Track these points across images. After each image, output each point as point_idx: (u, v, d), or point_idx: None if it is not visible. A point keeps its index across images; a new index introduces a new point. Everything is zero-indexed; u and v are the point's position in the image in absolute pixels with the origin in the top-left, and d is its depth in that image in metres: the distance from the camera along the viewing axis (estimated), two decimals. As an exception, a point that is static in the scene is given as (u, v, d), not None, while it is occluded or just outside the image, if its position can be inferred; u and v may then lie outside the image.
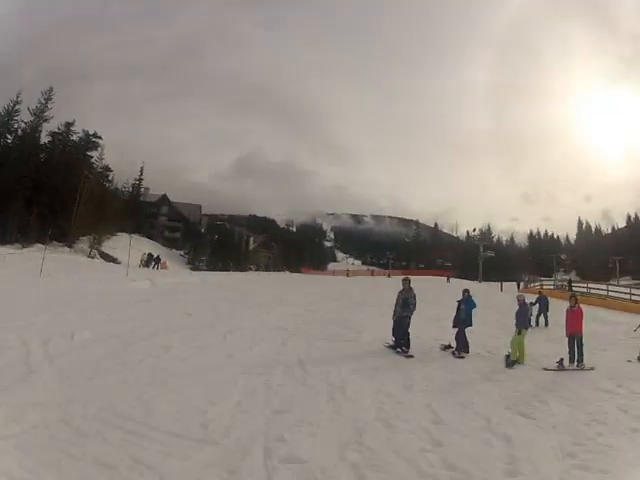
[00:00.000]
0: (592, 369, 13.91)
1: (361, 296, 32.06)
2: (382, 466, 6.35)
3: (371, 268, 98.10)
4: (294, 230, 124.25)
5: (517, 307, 15.25)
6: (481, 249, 70.18)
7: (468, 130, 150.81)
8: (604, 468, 6.87)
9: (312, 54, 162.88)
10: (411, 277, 16.60)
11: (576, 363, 14.18)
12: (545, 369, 13.82)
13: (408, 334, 14.72)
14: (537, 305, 22.35)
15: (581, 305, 15.23)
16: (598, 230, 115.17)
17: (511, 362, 13.86)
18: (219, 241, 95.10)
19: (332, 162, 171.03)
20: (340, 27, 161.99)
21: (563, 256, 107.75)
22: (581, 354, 14.30)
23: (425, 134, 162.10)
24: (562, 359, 14.08)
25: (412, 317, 15.00)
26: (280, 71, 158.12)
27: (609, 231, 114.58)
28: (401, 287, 15.55)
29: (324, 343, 15.10)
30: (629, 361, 15.16)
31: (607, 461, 7.14)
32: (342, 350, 14.34)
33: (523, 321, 14.86)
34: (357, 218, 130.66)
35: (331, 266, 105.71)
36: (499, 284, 50.60)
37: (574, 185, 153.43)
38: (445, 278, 58.82)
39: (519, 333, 14.51)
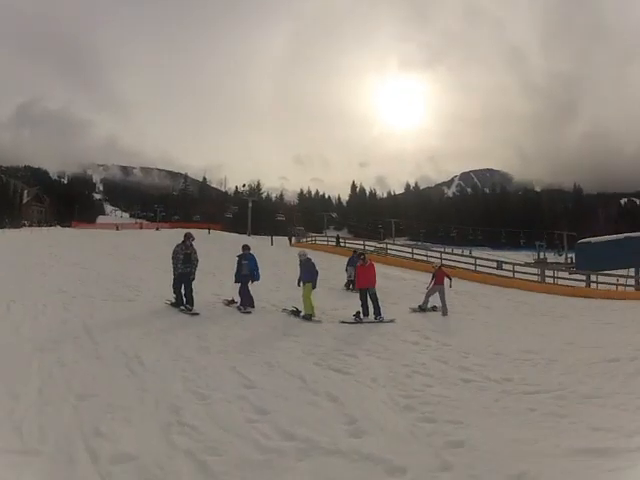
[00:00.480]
0: (392, 321, 14.55)
1: (133, 250, 31.11)
2: (217, 447, 5.69)
3: (140, 221, 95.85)
4: (66, 182, 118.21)
5: (299, 262, 15.66)
6: (250, 204, 70.63)
7: (249, 93, 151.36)
8: (453, 419, 6.92)
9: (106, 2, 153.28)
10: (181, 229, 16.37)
11: (375, 316, 14.67)
12: (343, 322, 14.18)
13: (192, 291, 14.30)
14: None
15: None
16: (373, 194, 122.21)
17: (307, 316, 14.20)
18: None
19: (106, 112, 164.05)
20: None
21: (334, 214, 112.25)
22: (378, 307, 14.89)
23: (203, 92, 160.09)
24: (358, 312, 14.60)
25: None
26: (68, 16, 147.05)
27: (384, 195, 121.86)
28: (180, 241, 14.93)
29: (106, 305, 14.32)
30: (413, 310, 16.66)
31: (451, 412, 7.25)
32: (125, 311, 13.69)
33: (308, 276, 15.09)
34: (126, 170, 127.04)
35: (100, 219, 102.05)
36: (270, 238, 51.25)
37: (349, 152, 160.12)
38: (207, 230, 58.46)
39: (305, 287, 14.84)
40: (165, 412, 6.74)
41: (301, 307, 14.62)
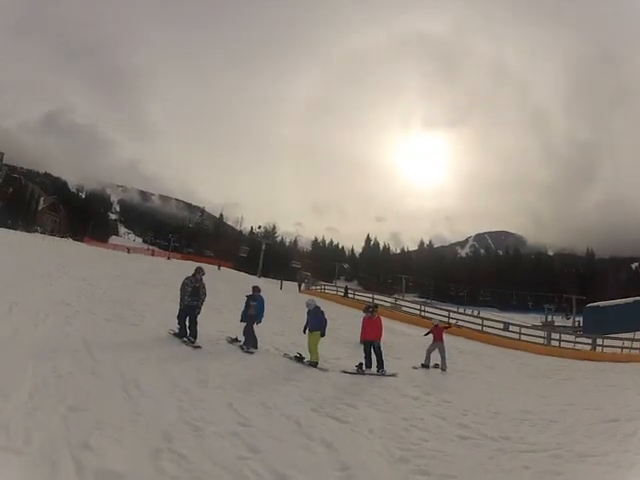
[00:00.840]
0: (394, 375, 14.54)
1: (142, 275, 31.05)
2: (204, 478, 5.68)
3: (152, 247, 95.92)
4: (83, 196, 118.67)
5: (307, 310, 15.48)
6: (263, 245, 70.75)
7: (274, 135, 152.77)
8: (447, 473, 6.89)
9: (150, 27, 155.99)
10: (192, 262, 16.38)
11: (377, 369, 14.64)
12: (344, 372, 14.15)
13: (196, 324, 14.26)
14: None
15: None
16: (387, 248, 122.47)
17: (313, 363, 14.26)
18: (12, 195, 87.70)
19: (132, 135, 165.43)
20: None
21: (346, 265, 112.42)
22: (381, 360, 14.84)
23: (228, 131, 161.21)
24: (361, 363, 14.61)
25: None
26: (109, 33, 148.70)
27: (398, 251, 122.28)
28: (191, 273, 14.98)
29: (109, 325, 14.22)
30: (414, 368, 16.51)
31: (445, 466, 7.19)
32: (128, 335, 13.54)
33: (316, 324, 14.97)
34: (145, 195, 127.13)
35: (112, 239, 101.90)
36: (279, 282, 51.22)
37: (366, 205, 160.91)
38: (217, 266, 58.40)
39: (311, 335, 14.85)
40: (156, 437, 6.67)
41: (305, 353, 14.60)
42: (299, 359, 14.58)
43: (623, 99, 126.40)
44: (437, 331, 17.60)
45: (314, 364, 14.18)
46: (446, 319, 34.13)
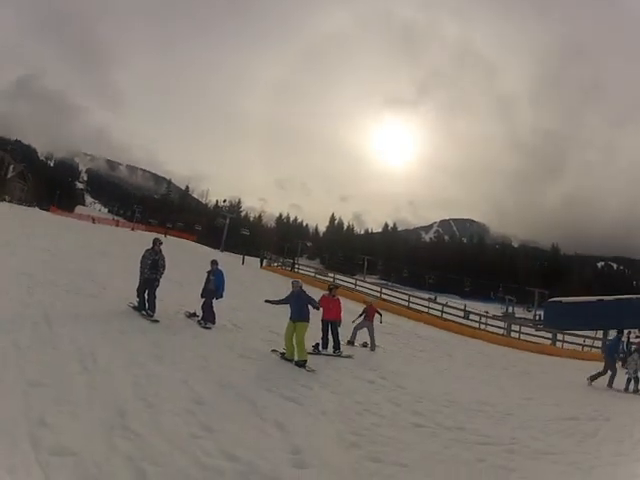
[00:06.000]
0: (350, 357, 14.54)
1: (106, 246, 30.34)
2: (157, 457, 5.68)
3: (117, 218, 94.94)
4: (52, 165, 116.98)
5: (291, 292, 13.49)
6: (227, 220, 70.45)
7: (242, 111, 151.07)
8: (399, 461, 6.93)
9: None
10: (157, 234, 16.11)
11: (333, 349, 14.62)
12: None
13: (155, 297, 14.10)
14: None
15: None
16: (351, 229, 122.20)
17: (301, 363, 12.33)
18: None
19: (102, 102, 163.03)
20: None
21: (309, 243, 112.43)
22: (338, 341, 14.81)
23: (197, 103, 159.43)
24: (318, 343, 14.48)
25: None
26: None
27: (362, 232, 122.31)
28: (150, 245, 14.68)
29: (70, 297, 13.92)
30: (364, 346, 16.68)
31: (398, 453, 7.25)
32: (88, 307, 13.26)
33: (303, 313, 13.01)
34: (112, 164, 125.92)
35: (78, 209, 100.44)
36: (241, 257, 51.13)
37: (331, 184, 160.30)
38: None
39: (296, 326, 12.89)
40: (111, 414, 6.68)
41: (279, 347, 13.52)
42: (284, 357, 12.74)
43: (595, 94, 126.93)
44: (370, 310, 17.46)
45: (302, 364, 12.19)
46: (406, 303, 34.59)
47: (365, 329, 16.98)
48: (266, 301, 14.22)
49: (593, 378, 17.72)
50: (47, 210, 75.21)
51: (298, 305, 12.97)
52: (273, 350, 13.19)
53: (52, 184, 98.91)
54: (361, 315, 17.46)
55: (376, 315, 17.51)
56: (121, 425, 6.37)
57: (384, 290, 38.86)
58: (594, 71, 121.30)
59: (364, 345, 16.93)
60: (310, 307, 13.13)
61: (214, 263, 15.79)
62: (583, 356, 28.29)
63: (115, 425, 6.34)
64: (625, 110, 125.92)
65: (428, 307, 35.79)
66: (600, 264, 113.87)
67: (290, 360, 12.40)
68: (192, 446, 6.20)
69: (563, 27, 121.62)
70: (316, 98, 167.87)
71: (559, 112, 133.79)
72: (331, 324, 14.86)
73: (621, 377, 17.49)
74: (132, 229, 67.89)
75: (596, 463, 8.17)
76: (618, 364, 18.35)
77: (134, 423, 6.49)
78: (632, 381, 17.17)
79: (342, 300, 15.89)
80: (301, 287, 13.53)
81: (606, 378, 17.59)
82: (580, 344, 31.61)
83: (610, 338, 24.88)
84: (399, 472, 6.57)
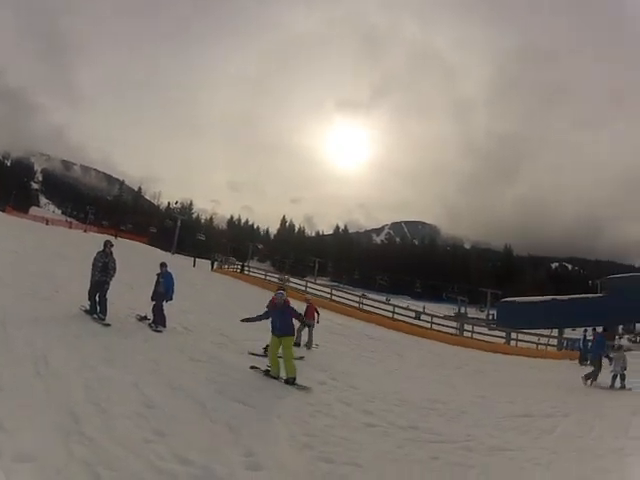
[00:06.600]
0: (301, 358, 14.36)
1: (59, 248, 29.71)
2: (113, 462, 5.72)
3: (70, 220, 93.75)
4: (8, 164, 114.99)
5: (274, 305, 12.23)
6: (179, 222, 70.20)
7: (198, 112, 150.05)
8: (352, 461, 7.00)
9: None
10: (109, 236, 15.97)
11: None
12: (252, 354, 13.92)
13: (106, 300, 13.98)
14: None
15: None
16: (302, 231, 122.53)
17: (291, 380, 11.36)
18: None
19: (60, 100, 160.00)
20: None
21: (260, 246, 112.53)
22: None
23: (152, 100, 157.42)
24: (268, 345, 14.34)
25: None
26: None
27: (313, 234, 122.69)
28: (101, 248, 14.56)
29: (24, 299, 13.75)
30: (315, 346, 16.73)
31: (351, 454, 7.30)
32: (41, 310, 13.04)
33: (290, 327, 11.99)
34: (68, 165, 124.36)
35: (33, 210, 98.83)
36: (193, 259, 51.03)
37: (282, 186, 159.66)
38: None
39: (283, 341, 11.74)
40: (66, 418, 6.69)
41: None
42: (269, 375, 11.77)
43: (551, 98, 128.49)
44: (310, 309, 17.34)
45: (291, 381, 11.32)
46: (357, 304, 34.92)
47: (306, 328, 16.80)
48: (243, 320, 12.70)
49: (588, 377, 17.97)
50: (3, 211, 73.92)
51: (284, 320, 11.80)
52: (253, 367, 12.29)
53: (8, 184, 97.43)
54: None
55: (315, 314, 17.47)
56: (76, 430, 6.37)
57: (335, 292, 38.82)
58: (551, 75, 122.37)
59: (306, 345, 16.89)
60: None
61: (163, 265, 15.70)
62: (538, 354, 28.82)
63: (71, 430, 6.34)
64: (582, 114, 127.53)
65: (379, 308, 35.67)
66: (554, 265, 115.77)
67: (275, 377, 11.54)
68: (145, 450, 6.22)
69: (522, 31, 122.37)
70: (271, 100, 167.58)
71: (514, 115, 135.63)
72: None
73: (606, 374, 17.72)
74: (85, 231, 67.04)
75: (555, 458, 8.30)
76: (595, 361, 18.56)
77: (88, 428, 6.51)
78: (618, 377, 17.30)
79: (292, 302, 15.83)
80: (285, 300, 12.15)
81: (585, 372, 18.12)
82: (535, 342, 32.15)
83: (590, 337, 25.19)
84: (353, 472, 6.65)
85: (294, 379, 11.31)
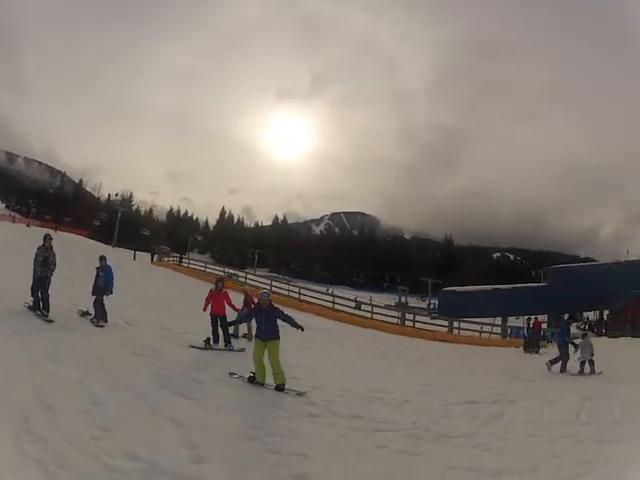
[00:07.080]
0: (243, 350, 14.66)
1: (2, 243, 29.70)
2: (63, 460, 5.72)
3: (13, 214, 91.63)
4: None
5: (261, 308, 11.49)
6: (119, 214, 69.36)
7: (136, 98, 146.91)
8: (298, 452, 7.05)
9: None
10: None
11: (224, 344, 14.79)
12: (192, 346, 14.14)
13: (48, 296, 13.98)
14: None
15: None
16: (241, 222, 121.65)
17: (281, 386, 10.88)
18: None
19: (6, 89, 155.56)
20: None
21: (199, 237, 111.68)
22: (228, 335, 15.00)
23: (94, 89, 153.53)
24: (209, 338, 14.60)
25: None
26: None
27: (252, 225, 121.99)
28: (41, 242, 14.67)
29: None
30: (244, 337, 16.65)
31: (297, 444, 7.38)
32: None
33: (276, 330, 11.35)
34: (11, 157, 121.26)
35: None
36: (133, 252, 50.63)
37: (221, 176, 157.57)
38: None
39: (269, 345, 11.18)
40: (17, 419, 6.69)
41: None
42: (255, 381, 11.12)
43: (493, 90, 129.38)
44: (249, 300, 17.21)
45: (281, 387, 10.86)
46: (296, 295, 35.19)
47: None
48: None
49: (553, 363, 18.43)
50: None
51: (269, 323, 11.18)
52: (232, 373, 11.70)
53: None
54: (243, 307, 17.18)
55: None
56: (27, 430, 6.39)
57: (275, 283, 38.80)
58: (492, 69, 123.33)
59: (244, 336, 16.85)
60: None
61: (102, 259, 15.80)
62: (480, 342, 29.40)
63: (22, 430, 6.36)
64: (524, 106, 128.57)
65: (319, 298, 36.15)
66: (496, 255, 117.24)
67: (261, 384, 10.98)
68: (94, 447, 6.25)
69: (465, 24, 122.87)
70: (210, 89, 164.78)
71: (456, 107, 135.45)
72: (220, 319, 14.92)
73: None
74: (27, 225, 65.79)
75: (505, 444, 8.41)
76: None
77: (38, 426, 6.53)
78: (586, 363, 17.73)
79: (231, 294, 16.08)
80: (270, 301, 11.53)
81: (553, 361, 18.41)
82: (477, 331, 32.74)
83: (547, 326, 25.72)
84: (300, 462, 6.69)
85: (284, 385, 10.88)
